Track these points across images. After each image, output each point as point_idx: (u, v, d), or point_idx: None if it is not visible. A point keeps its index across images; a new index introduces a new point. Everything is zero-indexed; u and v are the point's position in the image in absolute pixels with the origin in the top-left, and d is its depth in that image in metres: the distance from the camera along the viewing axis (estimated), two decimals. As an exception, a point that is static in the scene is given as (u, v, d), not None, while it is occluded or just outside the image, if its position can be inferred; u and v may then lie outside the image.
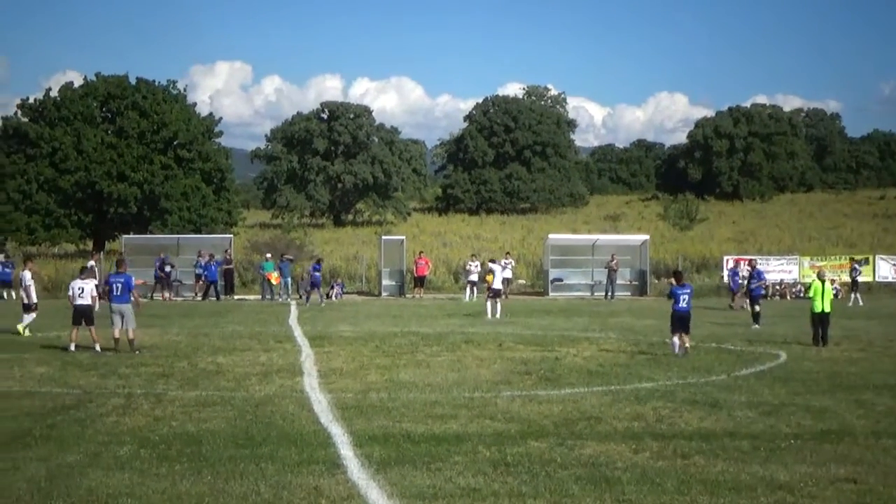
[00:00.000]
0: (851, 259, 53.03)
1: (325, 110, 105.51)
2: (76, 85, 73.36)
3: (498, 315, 36.49)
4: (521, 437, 14.00)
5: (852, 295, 47.21)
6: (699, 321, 26.32)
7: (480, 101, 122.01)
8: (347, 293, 52.57)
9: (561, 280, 55.25)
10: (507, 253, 57.64)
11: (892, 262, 56.94)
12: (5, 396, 17.63)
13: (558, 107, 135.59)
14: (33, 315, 29.42)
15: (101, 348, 24.72)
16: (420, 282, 52.70)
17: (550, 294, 53.56)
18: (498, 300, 37.54)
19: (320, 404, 16.77)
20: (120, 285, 25.24)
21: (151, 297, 48.52)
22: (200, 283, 50.48)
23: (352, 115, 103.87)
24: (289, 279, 50.45)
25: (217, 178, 73.19)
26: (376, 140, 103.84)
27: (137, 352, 24.19)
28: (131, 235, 59.91)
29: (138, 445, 13.39)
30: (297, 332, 30.48)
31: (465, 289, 50.64)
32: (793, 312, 38.64)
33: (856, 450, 13.37)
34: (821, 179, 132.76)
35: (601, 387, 18.89)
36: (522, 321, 35.64)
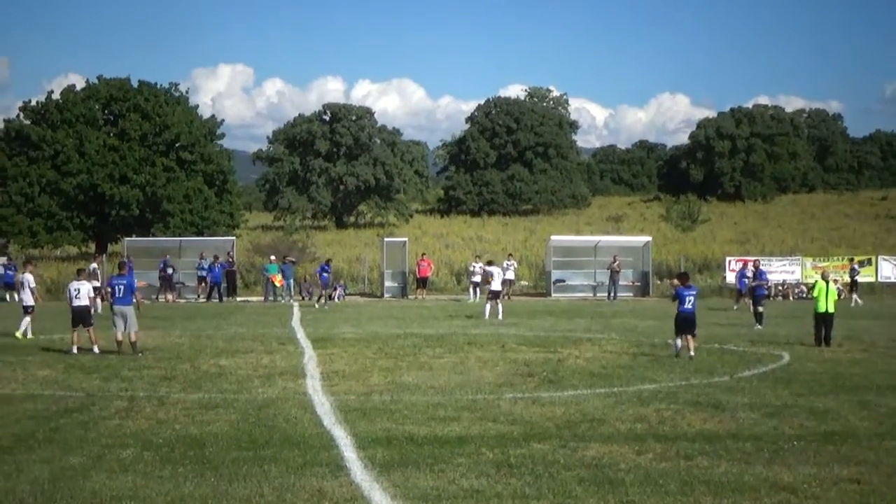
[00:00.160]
0: (850, 260, 53.04)
1: (327, 112, 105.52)
2: (78, 87, 73.48)
3: (499, 316, 36.51)
4: (524, 439, 14.00)
5: (853, 295, 47.23)
6: (701, 322, 26.25)
7: (482, 102, 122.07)
8: (350, 295, 52.61)
9: (563, 281, 55.26)
10: (510, 254, 57.68)
11: (895, 263, 56.87)
12: (8, 399, 17.64)
13: (560, 108, 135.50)
14: (28, 319, 29.42)
15: (99, 350, 24.74)
16: (422, 283, 52.72)
17: (553, 295, 53.56)
18: (498, 302, 37.56)
19: (323, 406, 16.77)
20: (122, 287, 25.24)
21: (157, 298, 48.77)
22: (203, 285, 50.57)
23: (354, 117, 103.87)
24: (291, 281, 50.52)
25: (219, 181, 73.24)
26: (378, 142, 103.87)
27: (140, 354, 24.20)
28: (133, 238, 59.92)
29: (141, 448, 13.39)
30: (300, 334, 30.49)
31: (468, 290, 50.69)
32: (795, 313, 38.63)
33: (859, 451, 13.36)
34: (823, 180, 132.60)
35: (604, 388, 18.89)
36: (525, 322, 35.64)
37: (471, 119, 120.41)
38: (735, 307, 42.77)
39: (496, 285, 38.02)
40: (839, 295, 32.42)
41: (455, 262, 62.43)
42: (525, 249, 69.51)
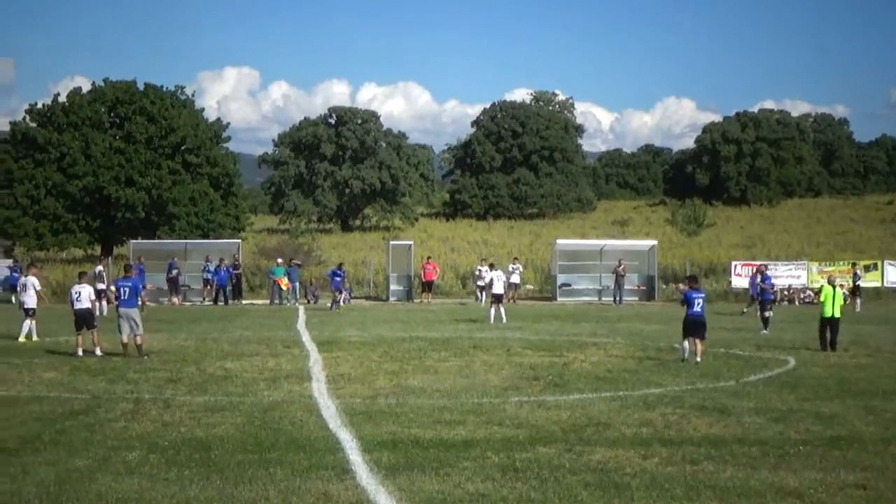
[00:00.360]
0: (853, 264, 52.96)
1: (333, 115, 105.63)
2: (84, 90, 73.51)
3: (503, 320, 36.54)
4: (530, 443, 13.99)
5: (857, 300, 47.16)
6: (707, 326, 26.17)
7: (488, 106, 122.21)
8: (355, 298, 52.62)
9: (569, 285, 55.27)
10: (515, 258, 57.62)
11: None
12: (14, 401, 17.66)
13: (566, 112, 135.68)
14: (29, 321, 29.43)
15: (102, 352, 24.75)
16: (428, 287, 52.70)
17: (558, 299, 53.54)
18: (501, 305, 37.58)
19: (329, 410, 16.77)
20: (127, 289, 25.26)
21: (170, 300, 49.04)
22: (208, 287, 50.60)
23: (359, 120, 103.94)
24: (297, 284, 50.54)
25: (225, 184, 73.26)
26: (384, 145, 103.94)
27: (146, 357, 24.21)
28: (139, 241, 59.95)
29: (147, 450, 13.40)
30: (306, 337, 30.49)
31: (474, 293, 50.71)
32: (801, 318, 38.61)
33: (865, 456, 13.34)
34: (829, 184, 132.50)
35: (609, 392, 18.88)
36: (530, 326, 35.63)
37: (476, 123, 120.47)
38: (745, 310, 42.68)
39: (498, 289, 38.06)
40: (845, 300, 32.38)
41: (460, 266, 62.42)
42: (531, 253, 69.46)
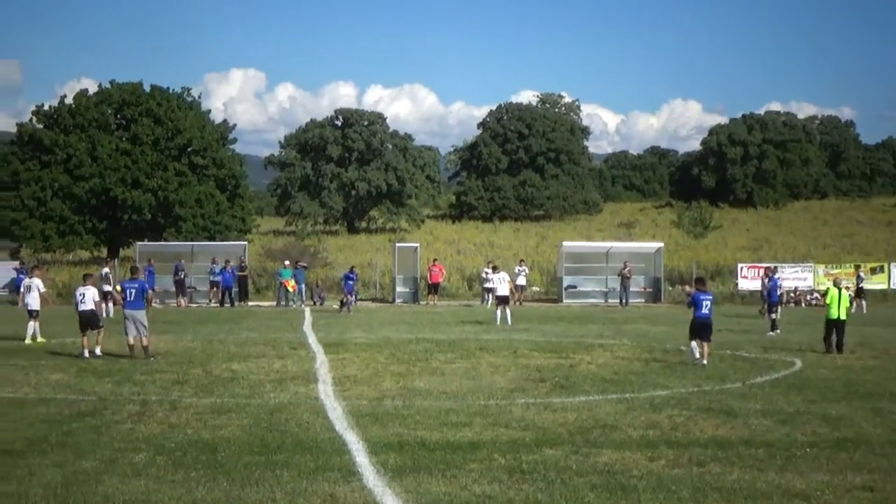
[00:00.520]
0: (856, 266, 52.88)
1: (339, 117, 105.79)
2: (91, 92, 73.69)
3: (509, 322, 36.56)
4: (537, 445, 13.97)
5: (863, 302, 47.10)
6: (713, 328, 26.14)
7: (494, 108, 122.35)
8: (361, 300, 52.58)
9: (575, 287, 55.24)
10: (522, 260, 57.63)
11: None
12: (21, 403, 17.66)
13: (572, 114, 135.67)
14: (33, 323, 29.49)
15: (101, 352, 24.74)
16: (434, 289, 52.67)
17: (564, 301, 53.53)
18: (506, 307, 37.58)
19: (335, 411, 16.76)
20: (133, 291, 25.28)
21: (179, 302, 49.12)
22: (214, 289, 50.65)
23: (366, 122, 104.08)
24: (303, 286, 50.59)
25: (231, 185, 73.40)
26: (390, 147, 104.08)
27: (152, 358, 24.22)
28: (145, 242, 60.04)
29: (154, 452, 13.39)
30: (312, 339, 30.49)
31: (480, 295, 50.71)
32: (808, 320, 38.55)
33: (872, 458, 13.30)
34: (835, 187, 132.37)
35: (616, 394, 18.85)
36: (537, 328, 35.62)
37: (483, 125, 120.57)
38: (761, 311, 42.46)
39: (503, 291, 38.06)
40: (851, 302, 32.33)
41: (467, 268, 62.47)
42: (537, 255, 69.49)
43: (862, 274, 50.71)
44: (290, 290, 49.69)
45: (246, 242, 61.41)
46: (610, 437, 14.72)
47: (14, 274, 50.74)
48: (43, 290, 30.36)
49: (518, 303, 48.45)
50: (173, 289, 50.69)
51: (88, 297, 25.82)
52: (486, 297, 48.95)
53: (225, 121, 78.80)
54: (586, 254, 58.36)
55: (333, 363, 23.85)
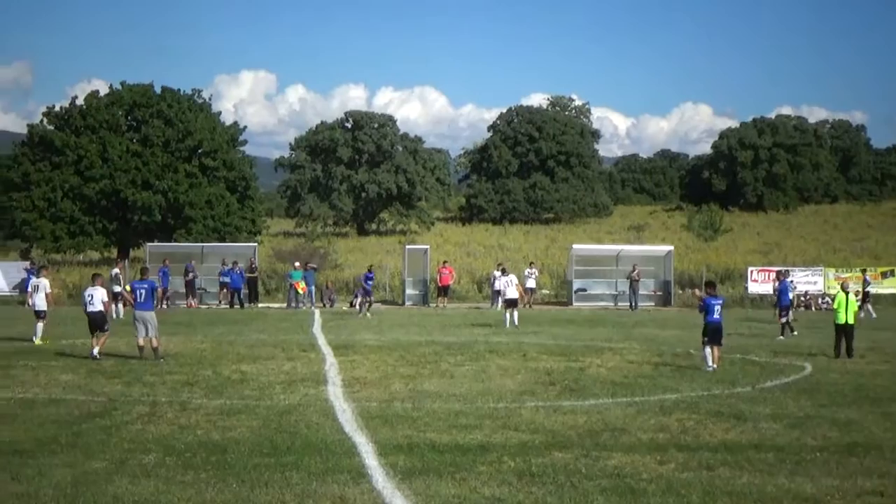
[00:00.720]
0: (863, 271, 52.72)
1: (350, 119, 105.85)
2: (102, 93, 73.71)
3: (516, 323, 36.58)
4: (546, 448, 13.97)
5: (867, 306, 46.92)
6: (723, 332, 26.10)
7: (504, 110, 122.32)
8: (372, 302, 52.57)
9: (584, 290, 55.19)
10: (531, 262, 57.61)
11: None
12: (31, 404, 17.70)
13: (582, 117, 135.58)
14: (41, 324, 29.56)
15: (99, 355, 24.71)
16: (444, 291, 52.65)
17: (574, 304, 53.51)
18: (514, 310, 37.56)
19: (345, 413, 16.77)
20: (143, 292, 25.32)
21: (186, 303, 49.26)
22: (224, 291, 50.73)
23: (376, 125, 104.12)
24: (313, 288, 50.63)
25: (241, 187, 73.44)
26: (400, 149, 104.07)
27: (162, 359, 24.25)
28: (155, 243, 60.15)
29: (163, 453, 13.41)
30: (321, 341, 30.51)
31: (489, 298, 50.71)
32: (818, 324, 38.46)
33: (883, 463, 13.28)
34: (845, 191, 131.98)
35: (625, 398, 18.84)
36: (546, 331, 35.60)
37: (493, 127, 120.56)
38: (791, 318, 42.14)
39: (512, 293, 38.03)
40: (860, 307, 32.25)
41: (476, 271, 62.45)
42: (546, 258, 69.46)
43: (868, 278, 50.53)
44: (300, 291, 49.72)
45: (256, 244, 61.50)
46: (619, 440, 14.71)
47: (25, 274, 50.80)
48: (49, 290, 30.44)
49: (528, 305, 48.43)
50: (184, 290, 50.82)
51: (97, 298, 25.85)
52: (496, 300, 48.93)
53: (235, 123, 78.81)
54: (596, 257, 58.36)
55: (343, 365, 23.87)
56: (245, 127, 79.30)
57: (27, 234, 68.04)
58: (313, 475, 12.22)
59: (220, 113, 78.97)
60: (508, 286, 38.42)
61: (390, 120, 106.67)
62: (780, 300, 35.33)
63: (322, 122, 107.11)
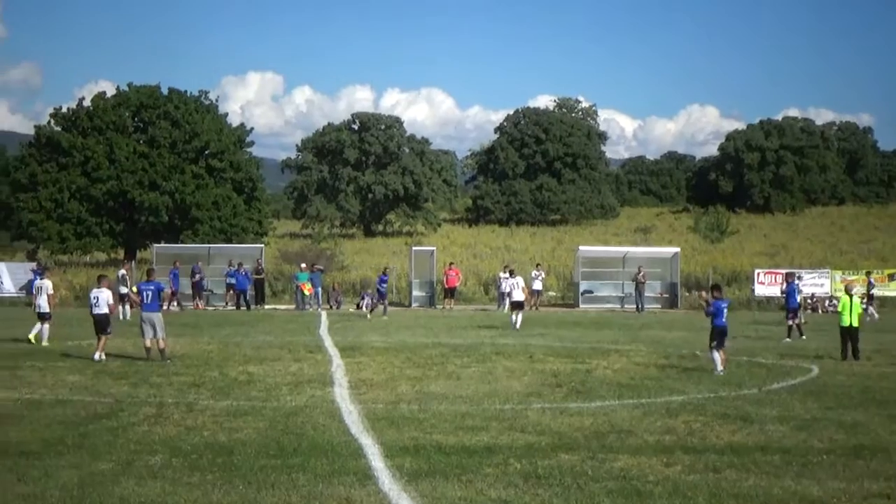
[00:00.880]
0: (867, 273, 52.60)
1: (356, 121, 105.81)
2: (108, 95, 73.76)
3: (518, 325, 36.57)
4: (552, 450, 13.96)
5: (870, 309, 46.77)
6: (729, 334, 26.06)
7: (511, 112, 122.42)
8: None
9: (591, 292, 55.14)
10: (538, 264, 57.56)
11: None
12: (38, 404, 17.72)
13: (589, 119, 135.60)
14: (44, 325, 29.57)
15: (99, 357, 24.68)
16: (450, 293, 52.66)
17: (581, 306, 53.44)
18: (519, 312, 37.53)
19: (351, 415, 16.77)
20: (150, 293, 25.35)
21: (196, 304, 49.35)
22: (231, 292, 50.76)
23: (382, 126, 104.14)
24: (319, 289, 50.63)
25: (248, 188, 73.46)
26: (407, 151, 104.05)
27: (168, 361, 24.27)
28: (162, 244, 60.22)
29: (170, 454, 13.42)
30: (328, 343, 30.51)
31: (496, 300, 50.70)
32: (825, 326, 38.39)
33: (889, 466, 13.25)
34: (852, 193, 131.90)
35: (632, 400, 18.82)
36: (553, 333, 35.59)
37: (499, 129, 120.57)
38: (802, 321, 42.02)
39: (517, 296, 38.00)
40: (865, 309, 32.19)
41: (483, 272, 62.40)
42: (553, 260, 69.39)
43: (873, 280, 50.44)
44: (307, 293, 49.74)
45: (262, 245, 61.55)
46: (626, 442, 14.71)
47: (31, 275, 50.83)
48: (51, 292, 30.49)
49: (534, 307, 48.40)
50: (189, 291, 50.84)
51: (102, 300, 25.88)
52: (503, 301, 48.91)
53: (242, 124, 78.89)
54: (603, 259, 58.30)
55: (349, 367, 23.87)
56: (252, 128, 79.41)
57: (34, 235, 68.13)
58: (320, 477, 12.22)
59: (226, 114, 79.12)
60: (515, 288, 38.40)
61: (397, 121, 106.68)
62: (788, 302, 35.27)
63: (329, 124, 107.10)
